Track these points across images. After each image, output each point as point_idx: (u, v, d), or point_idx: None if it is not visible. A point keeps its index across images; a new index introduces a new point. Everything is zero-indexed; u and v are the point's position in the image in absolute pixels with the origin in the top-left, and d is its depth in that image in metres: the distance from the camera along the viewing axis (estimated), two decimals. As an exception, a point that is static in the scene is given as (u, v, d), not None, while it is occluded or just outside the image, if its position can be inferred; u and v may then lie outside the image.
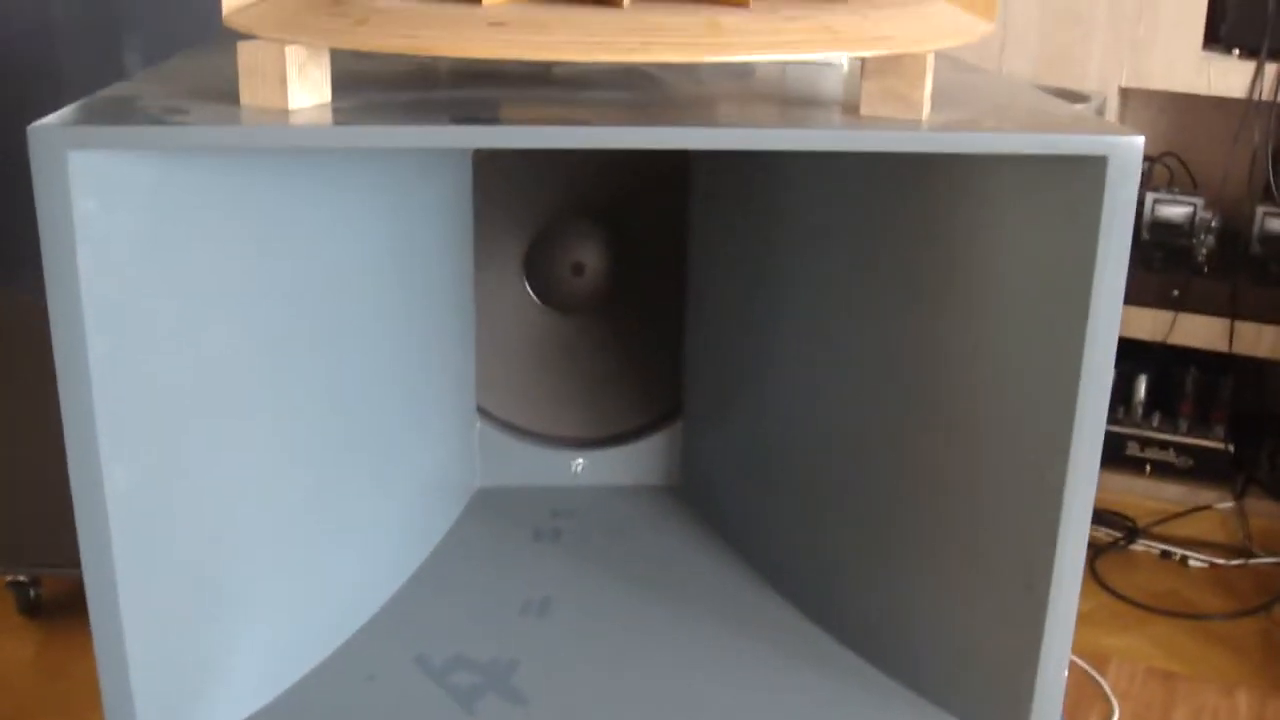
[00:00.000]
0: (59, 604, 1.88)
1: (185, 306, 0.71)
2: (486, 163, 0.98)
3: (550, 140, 0.65)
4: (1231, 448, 2.19)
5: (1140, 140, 0.68)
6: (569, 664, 0.85)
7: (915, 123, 0.68)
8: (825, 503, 0.90)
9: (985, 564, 0.79)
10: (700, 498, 1.03)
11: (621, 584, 0.93)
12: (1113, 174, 0.68)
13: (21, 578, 1.83)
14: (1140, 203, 2.13)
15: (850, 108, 0.72)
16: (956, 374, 0.79)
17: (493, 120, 0.67)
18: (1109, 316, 0.70)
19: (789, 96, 0.77)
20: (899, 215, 0.81)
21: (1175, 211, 2.18)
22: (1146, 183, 2.23)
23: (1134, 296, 2.06)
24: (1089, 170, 0.68)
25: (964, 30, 0.72)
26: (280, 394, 0.79)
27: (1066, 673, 0.79)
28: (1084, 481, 0.74)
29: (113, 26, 1.55)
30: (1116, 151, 0.68)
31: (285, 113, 0.67)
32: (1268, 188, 2.15)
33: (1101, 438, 0.73)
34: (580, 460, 1.05)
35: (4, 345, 1.65)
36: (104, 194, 0.65)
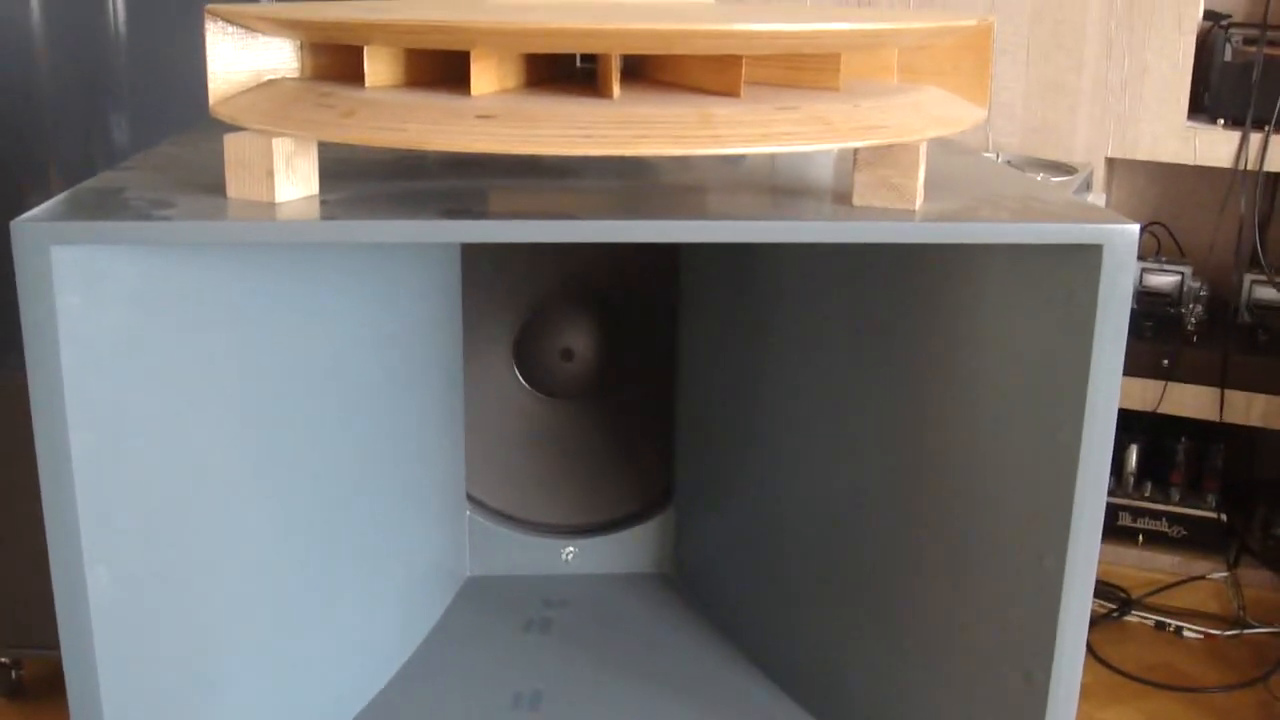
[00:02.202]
0: (41, 686, 1.85)
1: (171, 401, 0.70)
2: (474, 250, 0.97)
3: (541, 235, 0.65)
4: (1224, 517, 2.18)
5: (1135, 229, 0.68)
6: (561, 759, 0.84)
7: (909, 213, 0.68)
8: (820, 591, 0.89)
9: (984, 654, 0.78)
10: (693, 585, 1.02)
11: (614, 675, 0.91)
12: (1108, 262, 0.67)
13: (3, 659, 1.80)
14: (1128, 272, 2.12)
15: (842, 197, 0.71)
16: (952, 461, 0.78)
17: (482, 214, 0.66)
18: (1106, 403, 0.70)
19: (780, 184, 0.76)
20: (893, 302, 0.80)
21: (1164, 280, 2.18)
22: (1134, 252, 2.23)
23: (1124, 366, 2.05)
24: (1084, 258, 0.68)
25: (957, 119, 0.72)
26: (267, 486, 0.78)
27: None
28: (1083, 568, 0.72)
29: (100, 104, 1.55)
30: (1111, 239, 0.67)
31: (272, 206, 0.66)
32: (1255, 256, 2.16)
33: (1101, 523, 0.72)
34: (571, 548, 1.03)
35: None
36: (88, 289, 0.64)
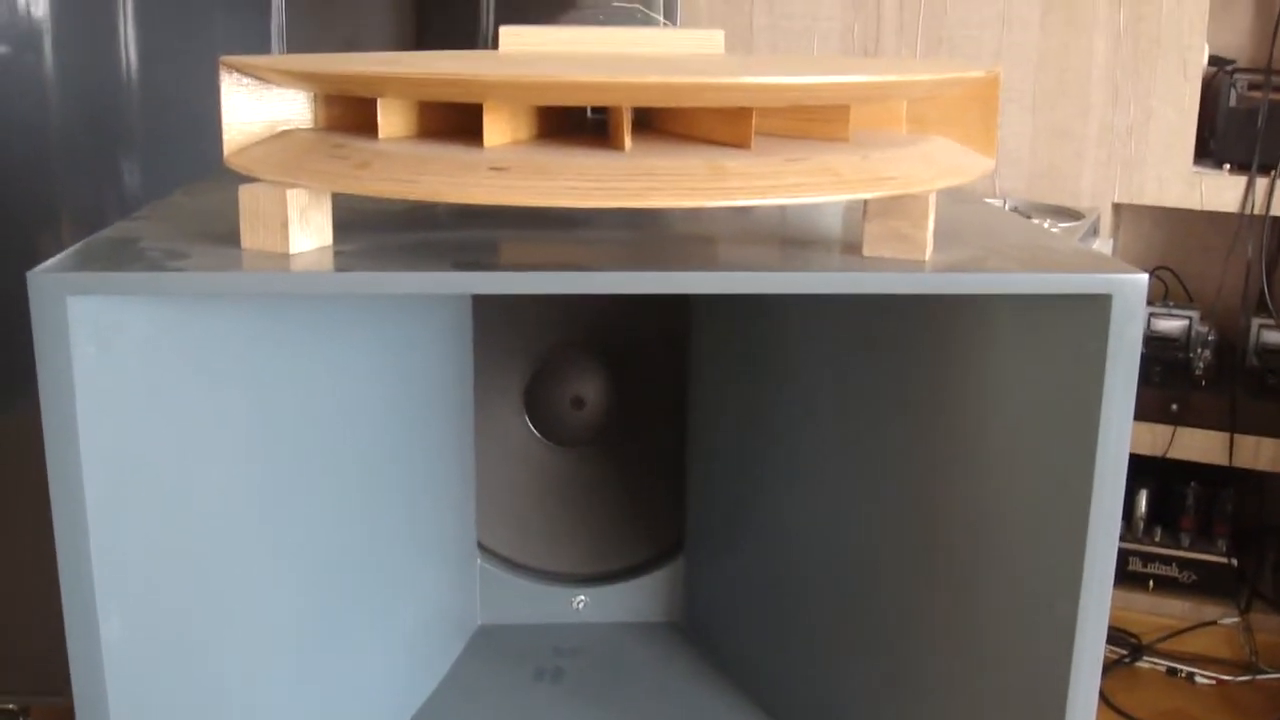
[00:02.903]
0: (48, 734, 1.85)
1: (184, 450, 0.70)
2: (485, 299, 0.98)
3: (551, 286, 0.65)
4: (1235, 562, 2.17)
5: (1144, 279, 0.68)
6: (572, 809, 0.83)
7: (919, 263, 0.68)
8: (830, 640, 0.88)
9: (997, 703, 0.77)
10: (703, 634, 1.02)
11: (623, 726, 0.91)
12: (1117, 312, 0.68)
13: (10, 706, 1.80)
14: (1135, 316, 2.13)
15: (852, 247, 0.72)
16: (963, 510, 0.78)
17: (493, 266, 0.66)
18: (1117, 451, 0.70)
19: (790, 235, 0.77)
20: (902, 352, 0.81)
21: (1171, 325, 2.18)
22: (1141, 296, 2.23)
23: (1133, 412, 2.05)
24: (1093, 308, 0.68)
25: (965, 169, 0.73)
26: (279, 535, 0.78)
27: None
28: (1095, 615, 0.72)
29: (111, 151, 1.56)
30: (1121, 289, 0.67)
31: (287, 257, 0.66)
32: (1262, 300, 2.16)
33: (1112, 573, 0.72)
34: (582, 597, 1.03)
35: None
36: (103, 339, 0.65)
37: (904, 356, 0.80)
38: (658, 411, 1.03)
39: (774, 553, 0.94)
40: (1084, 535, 0.71)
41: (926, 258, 0.69)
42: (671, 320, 1.00)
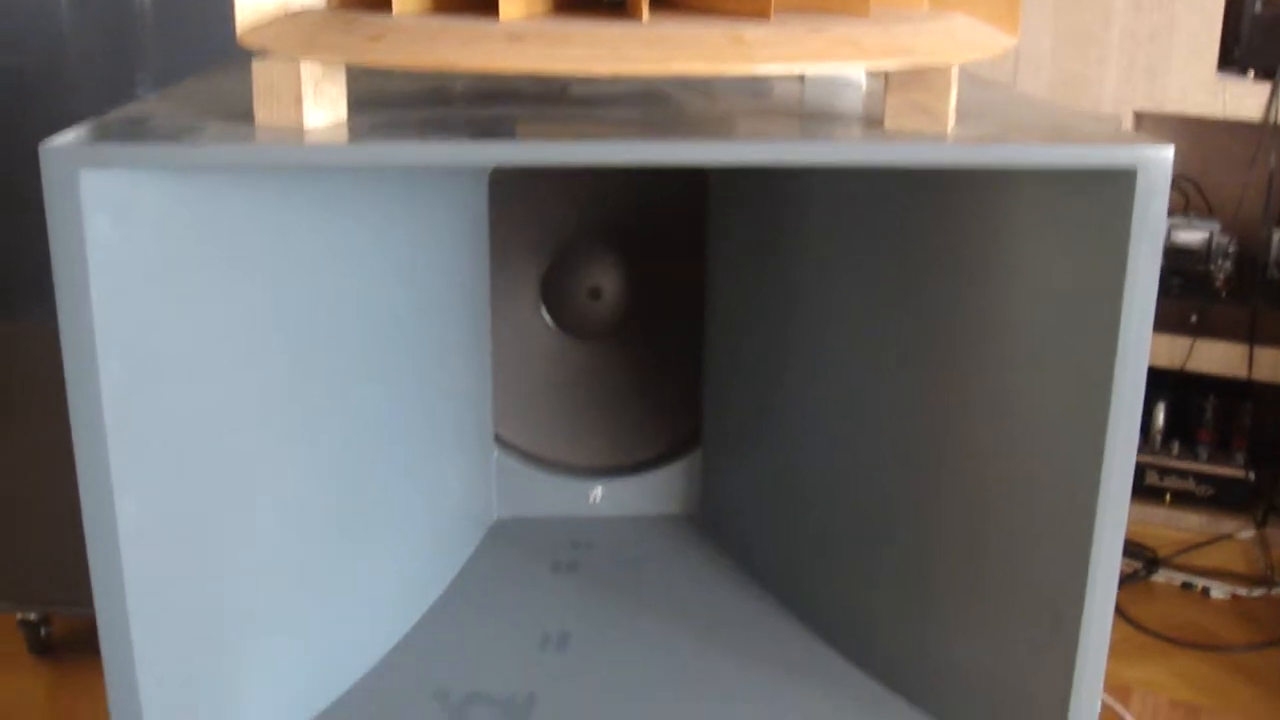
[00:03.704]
0: (69, 643, 1.86)
1: (200, 330, 0.70)
2: (502, 186, 0.97)
3: (569, 156, 0.64)
4: (1252, 475, 2.17)
5: (1170, 151, 0.67)
6: (588, 699, 0.83)
7: (941, 135, 0.67)
8: (848, 532, 0.88)
9: (1014, 596, 0.77)
10: (720, 527, 1.02)
11: (641, 616, 0.91)
12: (1142, 186, 0.67)
13: (32, 616, 1.81)
14: (1155, 229, 2.11)
15: (873, 123, 0.71)
16: (983, 399, 0.77)
17: (511, 136, 0.66)
18: (1140, 333, 0.69)
19: (808, 113, 0.76)
20: (922, 235, 0.80)
21: (1192, 237, 2.16)
22: (1162, 209, 2.21)
23: (1151, 323, 2.04)
24: (1118, 183, 0.67)
25: (987, 44, 0.71)
26: (296, 422, 0.78)
27: (1099, 706, 0.77)
28: (1115, 508, 0.72)
29: (125, 60, 1.55)
30: (1146, 163, 0.66)
31: (300, 131, 0.65)
32: (1284, 211, 2.14)
33: (1133, 462, 0.72)
34: (599, 489, 1.03)
35: (12, 380, 1.64)
36: (117, 214, 0.64)
37: (923, 240, 0.79)
38: (676, 303, 1.02)
39: (792, 444, 0.93)
40: (1105, 418, 0.70)
41: (949, 131, 0.68)
42: (690, 210, 0.99)
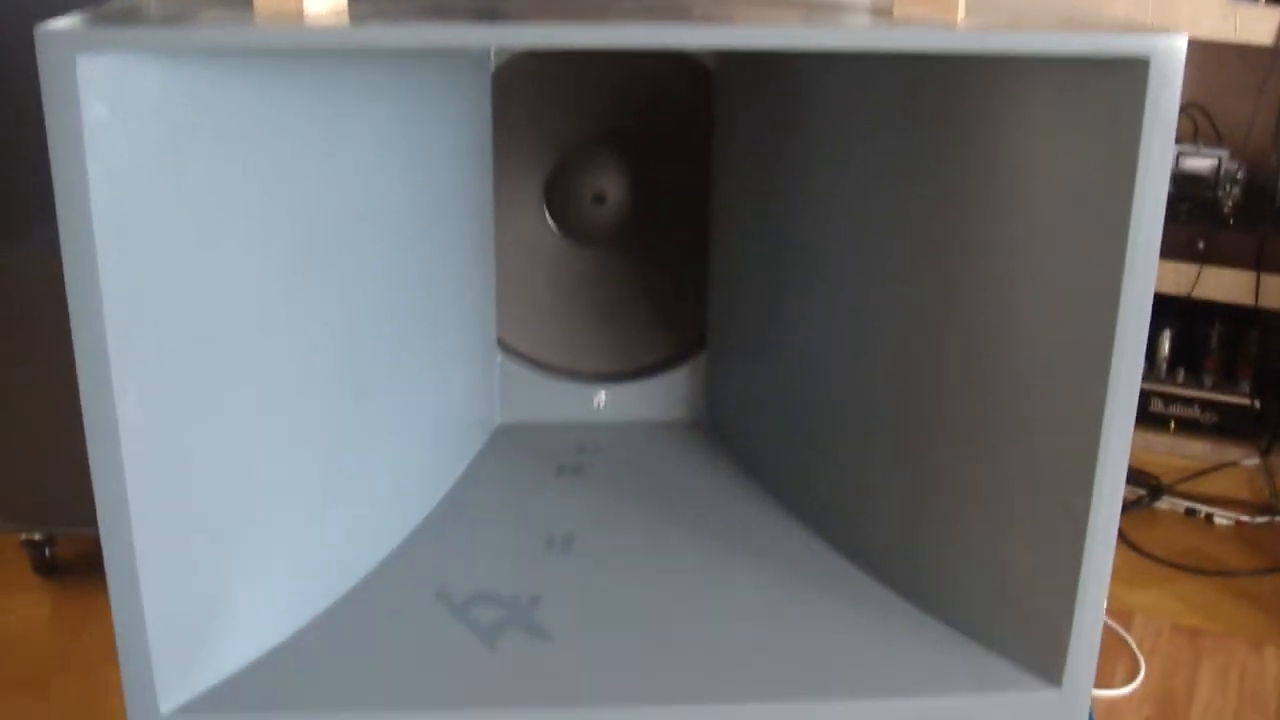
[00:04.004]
0: (74, 564, 1.87)
1: (199, 219, 0.69)
2: (504, 88, 0.96)
3: (571, 39, 0.63)
4: (1257, 403, 2.16)
5: (1183, 41, 0.66)
6: (593, 599, 0.83)
7: (951, 23, 0.66)
8: (855, 432, 0.88)
9: (1024, 487, 0.77)
10: (725, 431, 1.01)
11: (646, 518, 0.91)
12: (1155, 76, 0.66)
13: (37, 537, 1.82)
14: (1164, 156, 2.09)
15: (881, 11, 0.70)
16: (993, 292, 0.77)
17: (511, 20, 0.64)
18: (1151, 224, 0.68)
19: (815, 3, 0.75)
20: (929, 131, 0.79)
21: (1200, 164, 2.14)
22: (1170, 135, 2.20)
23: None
24: (1130, 73, 0.66)
25: (1000, -69, 0.70)
26: (297, 318, 0.77)
27: (1106, 600, 0.76)
28: (1125, 394, 0.71)
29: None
30: (1159, 52, 0.65)
31: (301, 14, 0.64)
32: (1294, 140, 2.12)
33: (1144, 348, 0.71)
34: (603, 394, 1.02)
35: (13, 304, 1.63)
36: (114, 100, 0.63)
37: (933, 135, 0.78)
38: (680, 207, 1.01)
39: (797, 347, 0.93)
40: (1116, 307, 0.69)
41: (959, 19, 0.67)
42: (695, 114, 0.98)
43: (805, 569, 0.86)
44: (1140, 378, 0.71)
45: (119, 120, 0.64)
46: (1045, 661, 0.77)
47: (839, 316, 0.89)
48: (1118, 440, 0.72)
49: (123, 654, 0.72)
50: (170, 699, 0.73)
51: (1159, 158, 0.67)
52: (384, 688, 0.76)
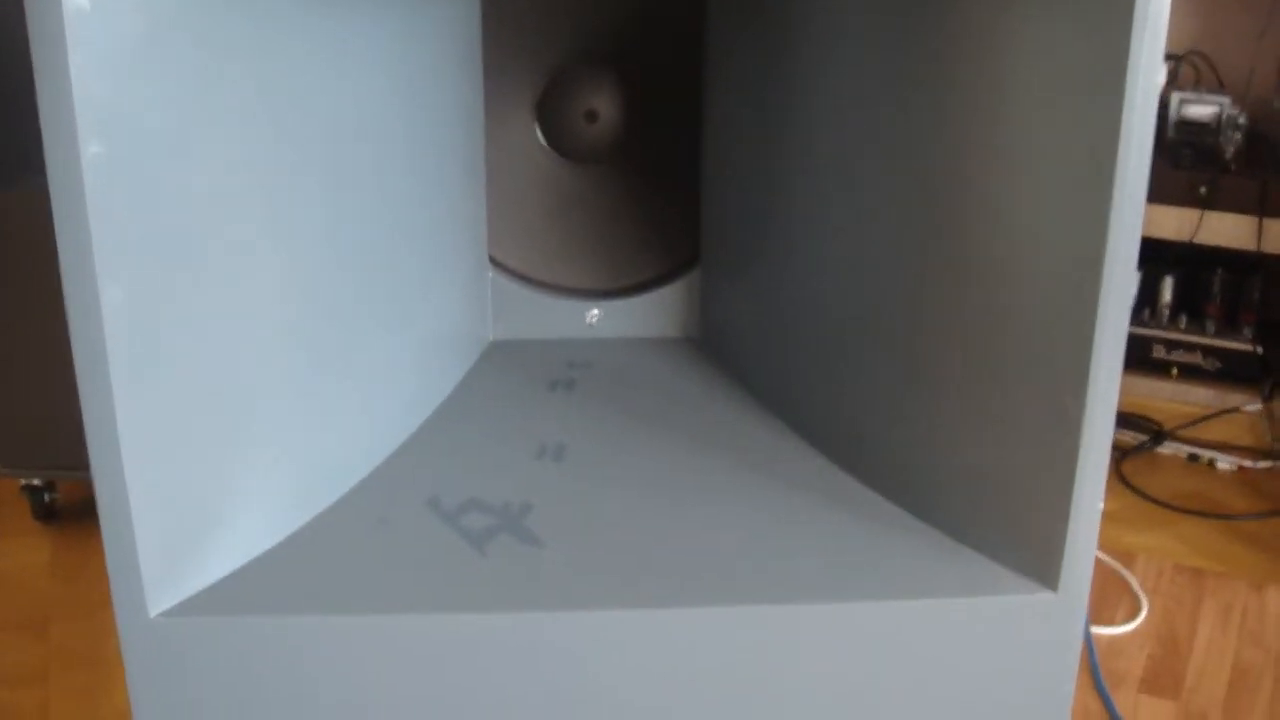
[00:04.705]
0: (73, 509, 1.87)
1: (185, 121, 0.68)
2: (494, 3, 0.95)
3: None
4: (1260, 350, 2.15)
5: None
6: (585, 506, 0.82)
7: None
8: (848, 341, 0.87)
9: (1017, 387, 0.76)
10: (719, 348, 1.01)
11: (640, 430, 0.90)
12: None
13: (36, 482, 1.82)
14: (1165, 103, 2.09)
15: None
16: (985, 189, 0.76)
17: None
18: (1144, 111, 0.67)
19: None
20: (921, 43, 0.78)
21: (1202, 111, 2.13)
22: (1173, 81, 2.19)
23: (1160, 194, 2.02)
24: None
25: None
26: (283, 227, 0.77)
27: (1101, 502, 0.76)
28: (1118, 285, 0.70)
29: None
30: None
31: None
32: (1296, 84, 2.11)
33: (1138, 241, 0.70)
34: (595, 311, 1.02)
35: (4, 254, 1.63)
36: (94, -8, 0.63)
37: (922, 48, 0.78)
38: (673, 123, 1.00)
39: (791, 262, 0.92)
40: (1109, 198, 0.69)
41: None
42: (687, 29, 0.97)
43: (798, 477, 0.85)
44: (1135, 270, 0.71)
45: (100, 11, 0.63)
46: (1041, 565, 0.77)
47: (832, 229, 0.88)
48: (1112, 333, 0.71)
49: (110, 557, 0.71)
50: (158, 603, 0.73)
51: (1150, 47, 0.66)
52: (373, 591, 0.75)
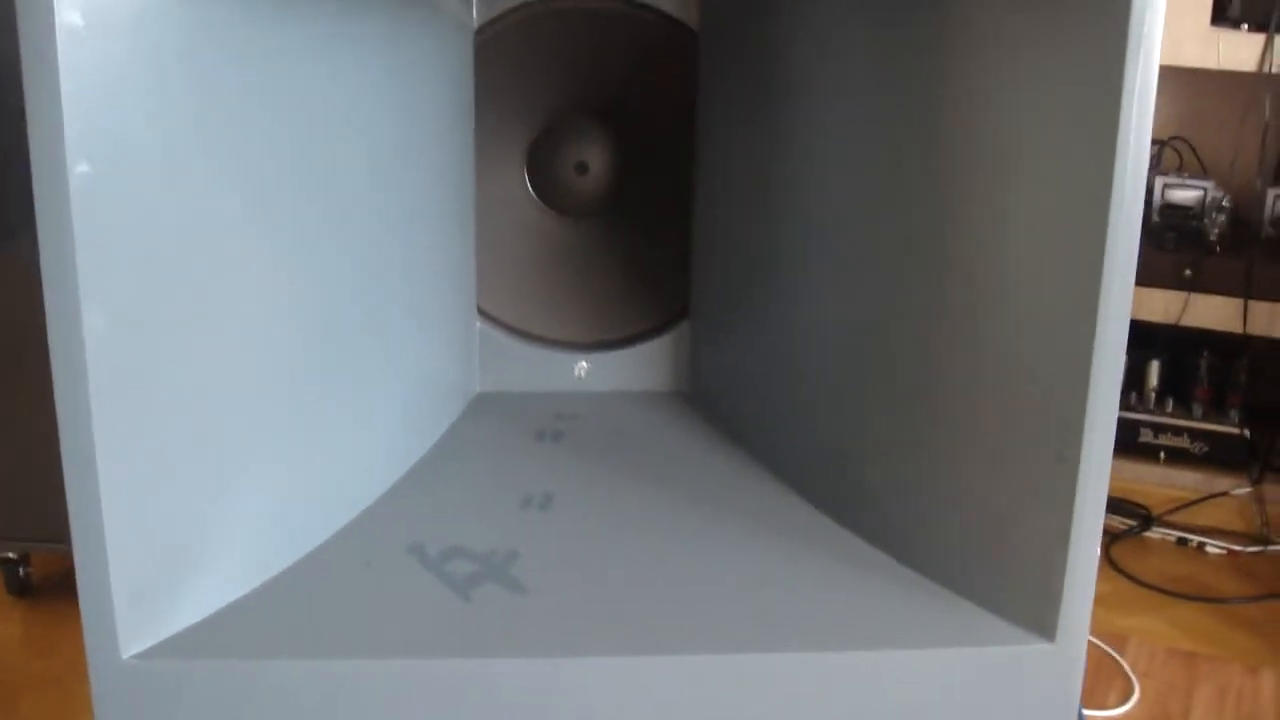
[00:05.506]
0: (48, 583, 1.83)
1: (171, 147, 0.68)
2: (488, 51, 0.95)
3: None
4: (1247, 433, 2.15)
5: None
6: (570, 556, 0.81)
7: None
8: (842, 393, 0.86)
9: (1013, 437, 0.75)
10: (708, 401, 1.00)
11: (626, 480, 0.89)
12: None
13: (11, 555, 1.78)
14: (1150, 188, 2.10)
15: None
16: (979, 236, 0.75)
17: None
18: (1138, 151, 0.67)
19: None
20: (914, 91, 0.78)
21: (1186, 195, 2.15)
22: (1156, 166, 2.21)
23: (1146, 277, 2.02)
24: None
25: None
26: (272, 265, 0.76)
27: (1098, 554, 0.74)
28: (1115, 331, 0.70)
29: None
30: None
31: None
32: (1278, 169, 2.12)
33: (1132, 286, 0.69)
34: (584, 363, 1.01)
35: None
36: (89, 11, 0.62)
37: (914, 96, 0.77)
38: (663, 177, 1.00)
39: (782, 311, 0.91)
40: (1103, 246, 0.68)
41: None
42: (678, 84, 0.97)
43: (788, 528, 0.84)
44: (1129, 314, 0.70)
45: (93, 30, 0.63)
46: (1038, 615, 0.75)
47: (822, 283, 0.87)
48: (1108, 379, 0.71)
49: (84, 597, 0.69)
50: (131, 644, 0.70)
51: (1145, 71, 0.66)
52: (353, 636, 0.73)
